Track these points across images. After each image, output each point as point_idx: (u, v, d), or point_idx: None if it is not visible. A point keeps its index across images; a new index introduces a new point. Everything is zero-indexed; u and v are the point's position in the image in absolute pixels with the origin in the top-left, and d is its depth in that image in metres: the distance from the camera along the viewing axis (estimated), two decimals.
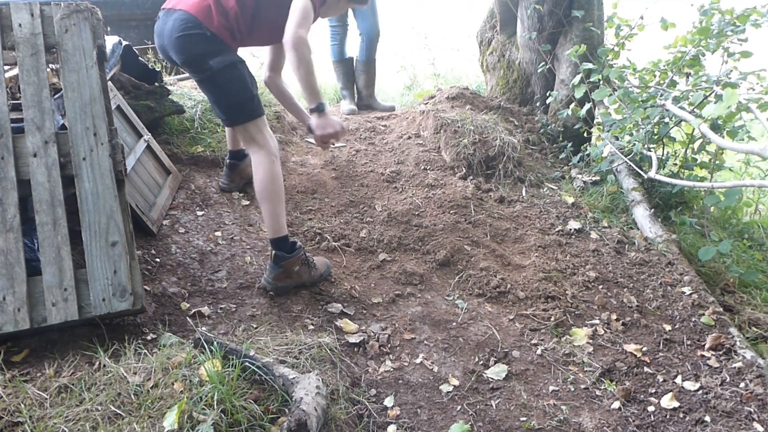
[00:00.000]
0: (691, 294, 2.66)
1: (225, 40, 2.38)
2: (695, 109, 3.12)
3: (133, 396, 1.68)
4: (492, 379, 2.17)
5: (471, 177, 3.56)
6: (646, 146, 3.37)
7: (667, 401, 2.07)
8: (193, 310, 2.28)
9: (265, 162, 2.42)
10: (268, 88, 3.08)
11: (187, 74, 4.31)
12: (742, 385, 2.13)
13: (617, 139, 3.52)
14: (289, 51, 2.27)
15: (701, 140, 3.45)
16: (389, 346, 2.31)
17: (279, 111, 4.09)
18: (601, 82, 3.55)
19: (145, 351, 1.89)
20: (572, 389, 2.14)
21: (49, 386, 1.74)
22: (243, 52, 5.05)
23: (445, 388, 2.12)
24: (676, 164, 3.69)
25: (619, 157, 3.40)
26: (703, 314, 2.52)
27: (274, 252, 2.45)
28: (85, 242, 2.02)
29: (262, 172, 2.42)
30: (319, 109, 2.38)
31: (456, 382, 2.14)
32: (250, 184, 2.76)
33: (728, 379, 2.16)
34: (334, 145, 2.51)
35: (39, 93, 2.12)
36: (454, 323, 2.46)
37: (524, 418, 1.99)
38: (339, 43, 4.64)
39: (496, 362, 2.26)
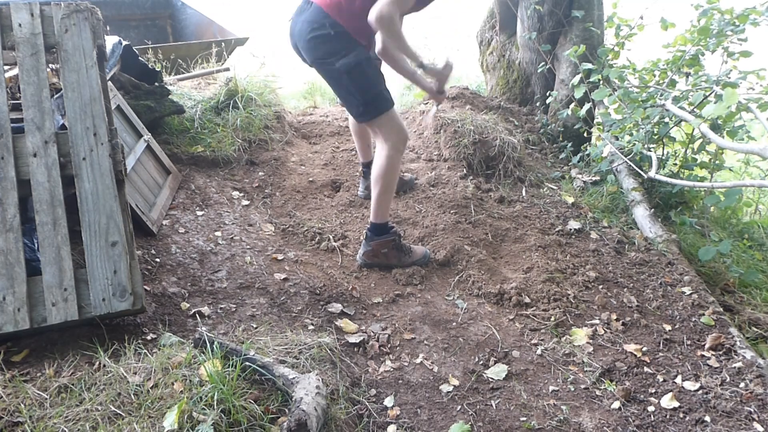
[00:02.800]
0: (691, 294, 2.66)
1: (355, 38, 2.42)
2: (695, 109, 3.12)
3: (133, 396, 1.67)
4: (492, 379, 2.17)
5: (471, 177, 3.56)
6: (646, 146, 3.37)
7: (667, 401, 2.07)
8: (193, 310, 2.28)
9: (390, 152, 2.56)
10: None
11: (186, 75, 4.32)
12: (742, 385, 2.13)
13: (617, 139, 3.52)
14: (376, 26, 2.27)
15: (701, 140, 3.45)
16: (389, 346, 2.31)
17: (279, 111, 4.09)
18: (601, 82, 3.55)
19: (145, 351, 1.89)
20: (572, 389, 2.14)
21: (49, 386, 1.74)
22: (242, 52, 5.04)
23: (445, 388, 2.12)
24: (676, 164, 3.69)
25: (619, 157, 3.40)
26: (703, 314, 2.52)
27: (366, 232, 2.71)
28: (85, 242, 2.02)
29: (383, 159, 2.58)
30: (423, 65, 2.56)
31: (456, 382, 2.14)
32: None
33: (728, 379, 2.16)
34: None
35: (39, 93, 2.12)
36: (454, 323, 2.46)
37: (524, 418, 1.99)
38: None
39: (496, 362, 2.25)
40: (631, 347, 2.34)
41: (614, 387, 2.14)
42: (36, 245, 2.05)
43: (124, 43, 3.07)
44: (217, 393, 1.63)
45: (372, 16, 2.25)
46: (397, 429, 1.92)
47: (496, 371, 2.20)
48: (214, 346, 1.84)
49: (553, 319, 2.48)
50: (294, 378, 1.74)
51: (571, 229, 3.13)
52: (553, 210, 3.32)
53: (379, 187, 2.61)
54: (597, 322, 2.49)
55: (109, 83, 2.54)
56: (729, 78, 3.07)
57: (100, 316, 1.98)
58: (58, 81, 2.37)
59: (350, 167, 3.70)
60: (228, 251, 2.70)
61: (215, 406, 1.61)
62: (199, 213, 2.97)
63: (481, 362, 2.26)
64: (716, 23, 3.20)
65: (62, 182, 2.06)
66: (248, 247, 2.78)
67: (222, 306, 2.35)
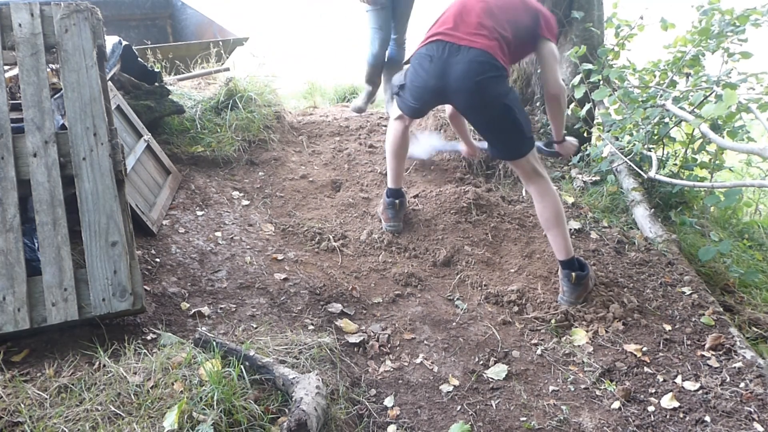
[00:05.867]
0: (691, 294, 2.66)
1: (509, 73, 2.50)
2: (695, 109, 3.12)
3: (133, 396, 1.68)
4: (492, 379, 2.17)
5: (471, 177, 3.56)
6: (646, 146, 3.37)
7: (667, 401, 2.07)
8: (193, 310, 2.28)
9: (552, 189, 2.57)
10: (450, 120, 3.27)
11: (186, 75, 4.32)
12: (742, 385, 2.13)
13: (617, 139, 3.52)
14: (557, 99, 2.62)
15: (701, 140, 3.45)
16: (389, 346, 2.31)
17: (279, 111, 4.09)
18: (601, 83, 3.55)
19: (145, 351, 1.89)
20: (572, 389, 2.14)
21: (49, 386, 1.74)
22: (242, 52, 5.03)
23: (445, 388, 2.12)
24: (676, 164, 3.69)
25: (619, 157, 3.40)
26: (703, 314, 2.52)
27: (574, 274, 2.52)
28: (85, 242, 2.02)
29: (552, 200, 2.54)
30: (564, 139, 2.90)
31: (456, 382, 2.14)
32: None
33: (728, 379, 2.16)
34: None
35: (39, 93, 2.13)
36: (454, 323, 2.46)
37: (524, 418, 1.99)
38: (375, 52, 4.57)
39: (496, 362, 2.26)
40: (631, 347, 2.34)
41: (614, 387, 2.14)
42: (36, 245, 2.05)
43: (124, 43, 3.07)
44: (217, 393, 1.63)
45: (556, 89, 2.59)
46: (397, 429, 1.92)
47: (496, 371, 2.20)
48: (214, 346, 1.84)
49: (553, 319, 2.48)
50: (294, 378, 1.74)
51: (571, 229, 3.13)
52: None
53: (560, 225, 2.55)
54: (597, 322, 2.49)
55: (109, 83, 2.54)
56: (729, 78, 3.07)
57: (100, 316, 1.98)
58: (58, 81, 2.36)
59: (350, 167, 3.70)
60: (228, 251, 2.70)
61: (215, 406, 1.61)
62: (199, 213, 2.97)
63: (481, 362, 2.26)
64: (716, 24, 3.20)
65: (62, 182, 2.06)
66: (248, 247, 2.78)
67: (222, 306, 2.35)
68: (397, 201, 2.97)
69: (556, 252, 2.60)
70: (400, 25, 4.35)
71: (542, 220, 2.60)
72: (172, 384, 1.71)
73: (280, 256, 2.74)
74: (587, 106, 3.66)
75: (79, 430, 1.56)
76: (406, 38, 4.43)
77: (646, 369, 2.25)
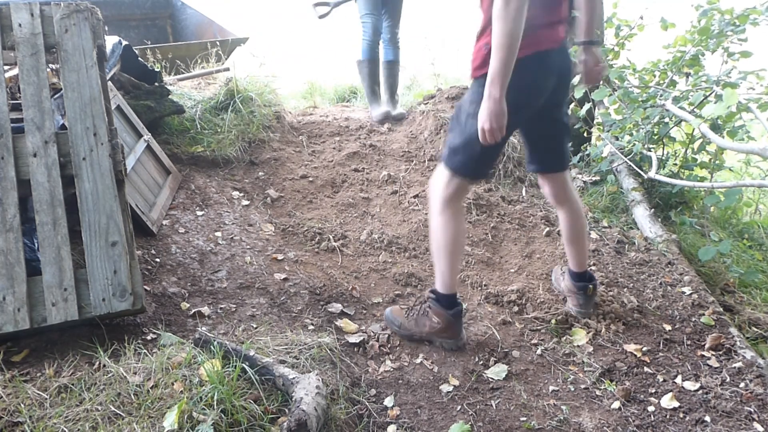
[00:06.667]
0: (691, 294, 2.66)
1: None
2: (695, 109, 3.12)
3: (133, 396, 1.68)
4: (492, 379, 2.17)
5: None
6: (646, 146, 3.37)
7: (667, 401, 2.07)
8: (193, 310, 2.28)
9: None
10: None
11: (186, 75, 4.32)
12: (742, 385, 2.13)
13: (617, 139, 3.52)
14: None
15: (701, 140, 3.45)
16: (389, 346, 2.31)
17: (279, 111, 4.09)
18: (601, 82, 3.55)
19: (145, 351, 1.89)
20: (572, 389, 2.14)
21: (49, 386, 1.74)
22: (242, 52, 5.02)
23: (445, 388, 2.12)
24: (676, 164, 3.69)
25: (619, 157, 3.40)
26: (703, 314, 2.52)
27: (591, 285, 2.41)
28: (85, 242, 2.02)
29: (582, 213, 2.41)
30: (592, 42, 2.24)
31: (456, 382, 2.14)
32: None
33: (728, 379, 2.16)
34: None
35: (39, 93, 2.13)
36: None
37: (524, 418, 1.99)
38: (369, 40, 4.31)
39: (496, 362, 2.25)
40: (631, 347, 2.34)
41: (614, 387, 2.14)
42: (36, 245, 2.05)
43: (124, 43, 3.07)
44: (217, 393, 1.63)
45: None
46: (397, 429, 1.92)
47: (496, 371, 2.20)
48: (214, 346, 1.84)
49: (553, 319, 2.48)
50: (294, 378, 1.74)
51: None
52: (553, 210, 3.32)
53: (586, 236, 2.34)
54: (597, 322, 2.49)
55: (109, 83, 2.54)
56: (729, 78, 3.07)
57: (100, 316, 1.98)
58: (58, 81, 2.37)
59: (350, 167, 3.70)
60: (228, 251, 2.70)
61: (215, 406, 1.61)
62: (199, 213, 2.97)
63: (481, 362, 2.26)
64: (716, 23, 3.20)
65: (62, 182, 2.07)
66: (248, 247, 2.78)
67: (222, 306, 2.35)
68: (460, 309, 2.29)
69: (576, 265, 2.43)
70: (393, 19, 4.17)
71: (571, 233, 2.39)
72: (172, 384, 1.71)
73: (280, 256, 2.74)
74: (587, 106, 3.66)
75: (79, 430, 1.56)
76: (399, 37, 4.30)
77: (646, 369, 2.24)
